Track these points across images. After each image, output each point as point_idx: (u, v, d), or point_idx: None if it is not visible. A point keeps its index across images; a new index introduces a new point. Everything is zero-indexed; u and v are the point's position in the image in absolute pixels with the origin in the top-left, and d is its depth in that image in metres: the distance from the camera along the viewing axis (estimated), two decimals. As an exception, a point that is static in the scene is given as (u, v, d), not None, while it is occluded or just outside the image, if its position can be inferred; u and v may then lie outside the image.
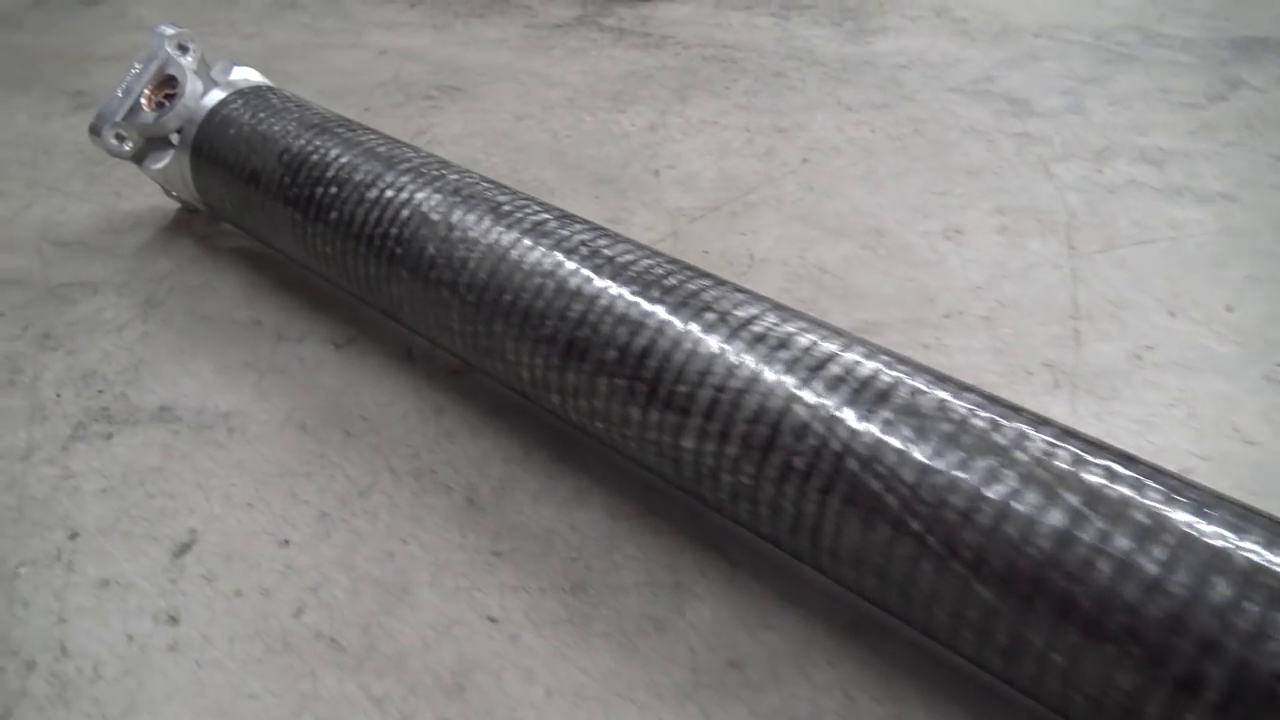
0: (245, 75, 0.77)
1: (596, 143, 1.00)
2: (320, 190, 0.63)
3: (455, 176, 0.60)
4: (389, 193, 0.60)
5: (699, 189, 0.91)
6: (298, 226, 0.64)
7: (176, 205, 0.84)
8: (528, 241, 0.54)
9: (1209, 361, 0.68)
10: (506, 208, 0.57)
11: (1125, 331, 0.71)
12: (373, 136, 0.66)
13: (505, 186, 0.61)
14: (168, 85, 0.76)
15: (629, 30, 1.35)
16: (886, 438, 0.41)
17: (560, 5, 1.45)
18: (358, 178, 0.62)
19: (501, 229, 0.55)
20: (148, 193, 0.87)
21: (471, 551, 0.52)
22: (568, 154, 0.97)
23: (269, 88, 0.75)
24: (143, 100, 0.76)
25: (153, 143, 0.77)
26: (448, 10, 1.42)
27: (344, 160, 0.63)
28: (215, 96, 0.74)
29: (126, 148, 0.76)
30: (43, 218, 0.83)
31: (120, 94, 0.76)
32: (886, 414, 0.42)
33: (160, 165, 0.75)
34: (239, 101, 0.72)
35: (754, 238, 0.83)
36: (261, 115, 0.70)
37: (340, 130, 0.67)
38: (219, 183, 0.71)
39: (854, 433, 0.42)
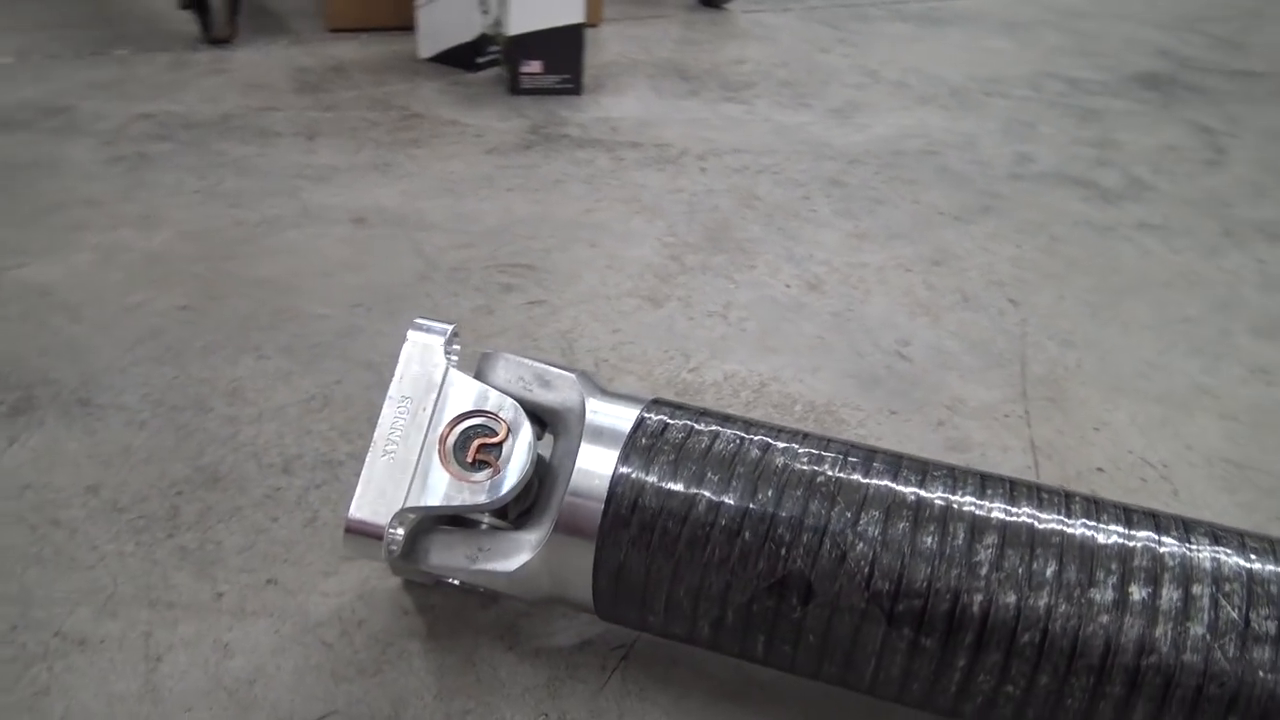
0: (566, 389, 0.47)
1: (790, 325, 0.78)
2: (969, 638, 0.39)
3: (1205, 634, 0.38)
4: (1150, 659, 0.37)
5: (971, 371, 0.74)
6: (923, 681, 0.40)
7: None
8: None
9: None
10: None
11: None
12: (980, 509, 0.41)
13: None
14: (477, 430, 0.45)
15: (607, 142, 1.11)
16: None
17: (491, 116, 1.17)
18: (1066, 620, 0.38)
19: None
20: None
21: None
22: (789, 350, 0.75)
23: (660, 407, 0.47)
24: (437, 458, 0.44)
25: (426, 523, 0.46)
26: (366, 142, 1.08)
27: (995, 578, 0.39)
28: (600, 454, 0.44)
29: (399, 536, 0.45)
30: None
31: (384, 455, 0.44)
32: None
33: (510, 569, 0.44)
34: (659, 462, 0.43)
35: (1110, 435, 0.68)
36: (736, 484, 0.41)
37: (921, 493, 0.42)
38: (689, 604, 0.42)
39: None
